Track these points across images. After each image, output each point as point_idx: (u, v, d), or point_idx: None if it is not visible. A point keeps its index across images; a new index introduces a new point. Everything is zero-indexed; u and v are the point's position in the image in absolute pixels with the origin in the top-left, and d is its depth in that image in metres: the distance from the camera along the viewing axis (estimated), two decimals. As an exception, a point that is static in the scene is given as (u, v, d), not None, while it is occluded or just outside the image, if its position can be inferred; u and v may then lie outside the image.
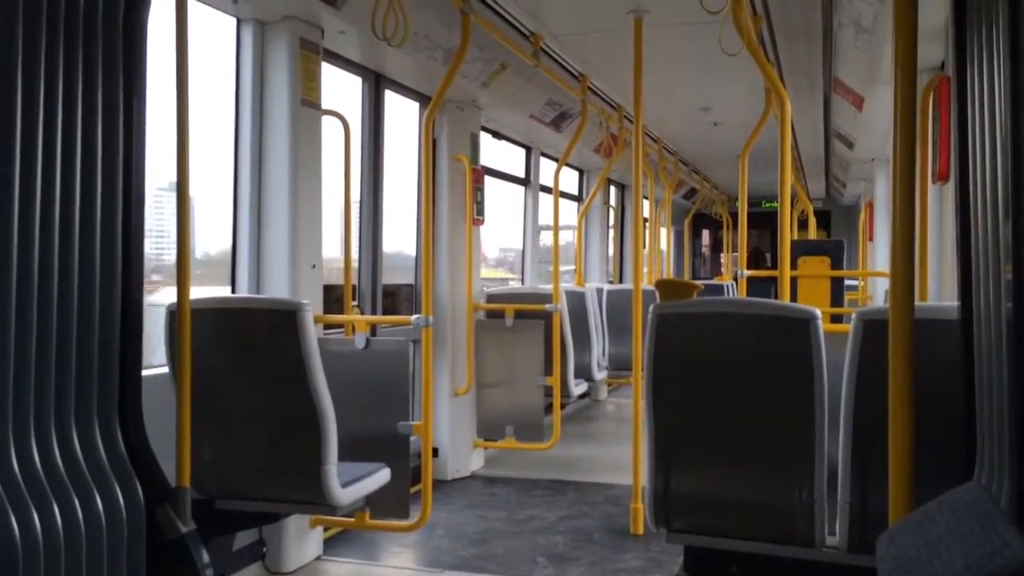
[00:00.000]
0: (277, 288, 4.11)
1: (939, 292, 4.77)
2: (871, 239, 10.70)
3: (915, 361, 1.95)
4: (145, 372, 2.68)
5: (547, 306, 5.94)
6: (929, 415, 2.07)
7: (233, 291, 4.17)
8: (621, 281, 10.99)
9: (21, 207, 2.17)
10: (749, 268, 5.68)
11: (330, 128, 4.43)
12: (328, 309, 4.53)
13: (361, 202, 5.30)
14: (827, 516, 2.75)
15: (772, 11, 5.08)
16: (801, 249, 6.84)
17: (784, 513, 2.80)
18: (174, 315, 2.91)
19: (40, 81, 2.21)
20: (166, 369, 3.37)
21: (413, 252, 6.12)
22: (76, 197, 2.34)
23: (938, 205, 4.78)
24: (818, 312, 2.76)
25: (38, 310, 2.23)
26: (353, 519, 3.91)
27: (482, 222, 6.09)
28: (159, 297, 3.76)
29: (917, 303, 1.99)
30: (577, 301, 7.11)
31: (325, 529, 4.37)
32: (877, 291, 9.60)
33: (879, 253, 10.27)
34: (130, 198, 2.52)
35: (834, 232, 16.36)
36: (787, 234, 4.01)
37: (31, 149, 2.19)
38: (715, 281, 10.53)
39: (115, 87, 2.45)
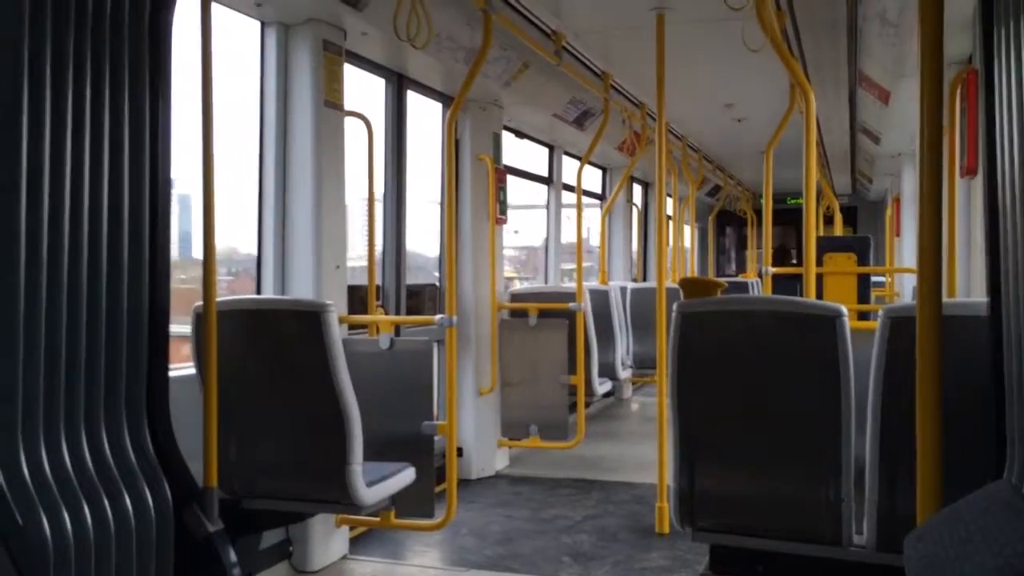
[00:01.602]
0: (302, 289, 4.13)
1: (968, 288, 4.71)
2: (898, 235, 10.59)
3: (943, 358, 1.93)
4: (172, 373, 2.71)
5: (571, 305, 5.93)
6: (958, 412, 2.05)
7: (258, 292, 4.20)
8: (645, 279, 10.95)
9: (50, 211, 2.20)
10: (775, 265, 5.64)
11: (353, 129, 4.46)
12: (352, 309, 4.55)
13: (384, 203, 5.32)
14: (854, 515, 2.72)
15: (796, 6, 5.03)
16: (827, 245, 6.78)
17: (811, 511, 2.78)
18: (201, 316, 2.93)
19: (68, 84, 2.24)
20: (193, 370, 3.41)
21: (430, 253, 6.13)
22: (104, 199, 2.37)
23: (966, 200, 4.72)
24: (844, 309, 2.73)
25: (68, 312, 2.26)
26: (378, 518, 3.92)
27: (505, 221, 6.10)
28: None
29: (945, 299, 1.97)
30: (601, 300, 7.09)
31: (351, 528, 4.39)
32: (905, 288, 9.50)
33: (906, 249, 10.16)
34: (156, 200, 2.54)
35: (860, 228, 16.20)
36: (812, 230, 3.98)
37: (59, 152, 2.22)
38: (740, 278, 10.46)
39: (141, 90, 2.47)
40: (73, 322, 2.29)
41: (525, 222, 9.44)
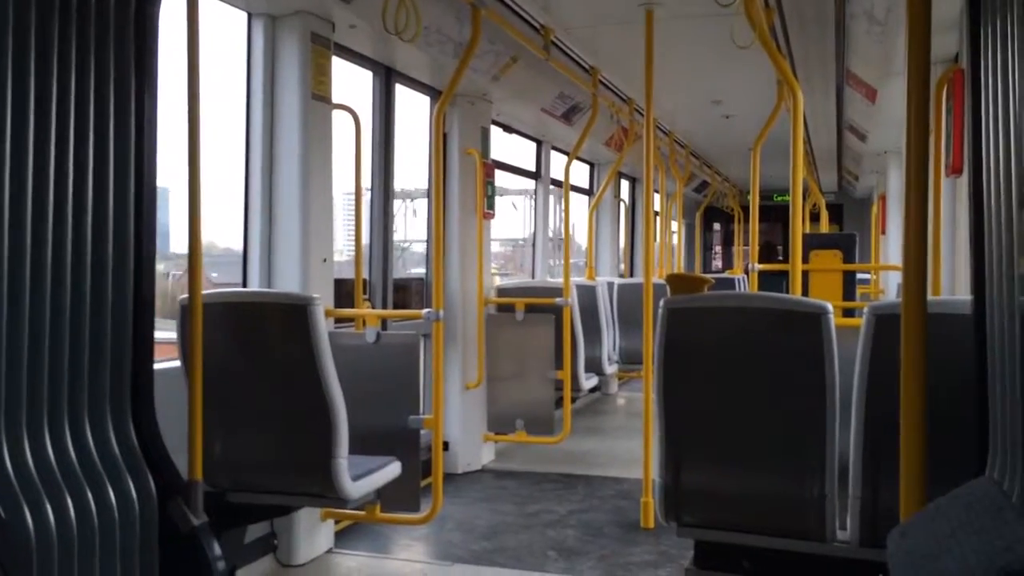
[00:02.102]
0: (288, 282, 4.12)
1: (952, 286, 4.74)
2: (884, 232, 10.65)
3: (927, 355, 1.94)
4: (157, 366, 2.69)
5: (557, 300, 5.94)
6: (941, 409, 2.06)
7: (244, 285, 4.18)
8: (632, 275, 10.97)
9: (35, 204, 2.18)
10: (761, 262, 5.66)
11: (341, 122, 4.44)
12: (339, 303, 4.54)
13: (372, 196, 5.31)
14: (838, 510, 2.74)
15: (784, 3, 5.05)
16: (813, 243, 6.81)
17: (795, 507, 2.79)
18: (186, 309, 2.92)
19: (53, 77, 2.22)
20: (178, 363, 3.39)
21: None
22: (89, 193, 2.35)
23: (951, 198, 4.75)
24: (830, 306, 2.74)
25: (51, 305, 2.25)
26: (364, 512, 3.92)
27: (493, 216, 6.09)
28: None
29: (930, 297, 1.98)
30: (588, 295, 7.10)
31: (336, 522, 4.38)
32: (890, 285, 9.56)
33: (892, 247, 10.22)
34: (142, 193, 2.53)
35: (846, 226, 16.28)
36: (799, 227, 3.99)
37: (44, 145, 2.21)
38: (726, 275, 10.50)
39: (127, 83, 2.45)
40: (57, 316, 2.27)
41: (507, 212, 9.43)
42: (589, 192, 9.85)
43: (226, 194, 4.20)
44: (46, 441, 2.27)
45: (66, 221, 2.28)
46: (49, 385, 2.27)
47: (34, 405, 2.23)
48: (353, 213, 4.64)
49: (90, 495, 2.33)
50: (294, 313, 3.27)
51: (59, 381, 2.30)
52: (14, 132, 2.11)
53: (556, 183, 8.40)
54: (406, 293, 6.11)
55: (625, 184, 10.98)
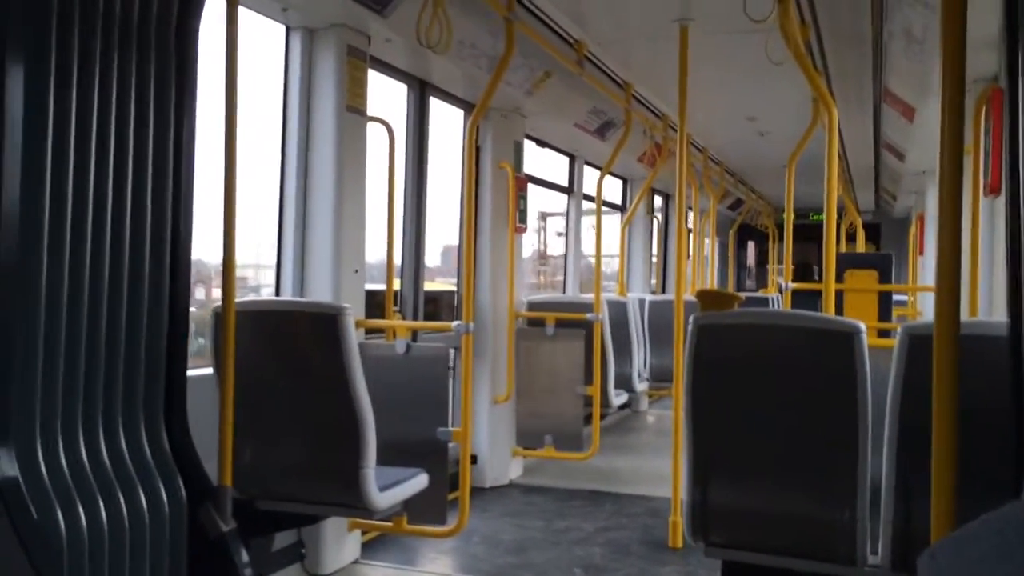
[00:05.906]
0: (320, 292, 4.15)
1: (990, 307, 4.66)
2: (921, 253, 10.50)
3: (963, 377, 1.90)
4: (190, 373, 2.73)
5: (588, 315, 5.92)
6: (977, 432, 2.03)
7: (277, 294, 4.22)
8: (664, 291, 10.92)
9: (74, 214, 2.23)
10: (796, 282, 5.60)
11: (375, 135, 4.48)
12: (370, 314, 4.57)
13: (404, 208, 5.34)
14: (869, 534, 2.69)
15: (820, 19, 5.02)
16: (848, 262, 6.73)
17: (825, 529, 2.75)
18: (219, 317, 2.96)
19: (95, 90, 2.27)
20: (211, 370, 3.43)
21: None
22: (127, 203, 2.40)
23: (989, 218, 4.68)
24: (862, 326, 2.71)
25: (88, 312, 2.29)
26: (391, 523, 3.93)
27: (524, 230, 6.10)
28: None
29: (966, 318, 1.95)
30: (619, 311, 7.08)
31: (363, 533, 4.39)
32: (927, 306, 9.41)
33: (929, 267, 10.07)
34: (179, 203, 2.57)
35: (884, 246, 16.05)
36: (833, 246, 3.95)
37: (84, 157, 2.25)
38: (759, 293, 10.41)
39: (167, 95, 2.50)
40: (94, 322, 2.31)
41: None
42: (622, 208, 9.83)
43: (266, 209, 4.24)
44: (80, 444, 2.31)
45: (104, 230, 2.33)
46: (85, 391, 2.31)
47: (69, 409, 2.27)
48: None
49: (121, 498, 2.36)
50: (325, 322, 3.29)
51: (94, 386, 2.34)
52: (55, 144, 2.16)
53: (588, 198, 8.39)
54: (437, 305, 6.13)
55: (658, 200, 10.95)
